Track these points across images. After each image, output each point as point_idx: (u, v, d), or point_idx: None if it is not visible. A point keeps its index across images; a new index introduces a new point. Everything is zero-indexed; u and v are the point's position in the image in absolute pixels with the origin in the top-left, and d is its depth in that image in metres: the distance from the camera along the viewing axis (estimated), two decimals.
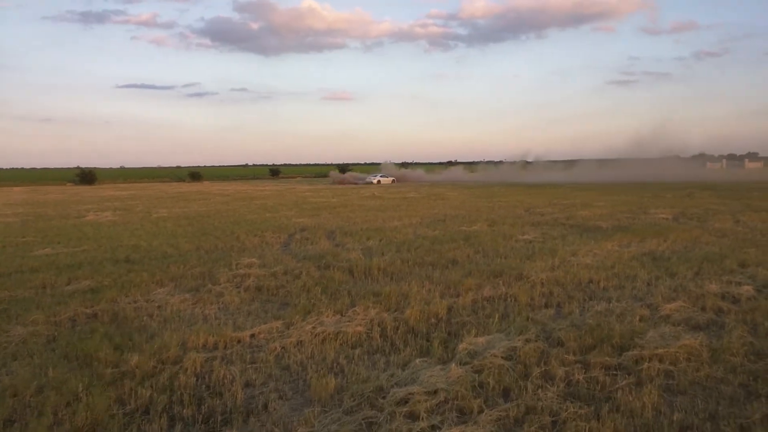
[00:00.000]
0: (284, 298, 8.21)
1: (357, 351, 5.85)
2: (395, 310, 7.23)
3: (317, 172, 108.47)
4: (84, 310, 7.58)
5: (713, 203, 23.62)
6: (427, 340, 6.10)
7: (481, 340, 5.92)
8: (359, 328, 6.45)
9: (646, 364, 5.06)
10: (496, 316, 6.80)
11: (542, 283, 8.62)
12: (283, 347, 5.98)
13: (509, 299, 7.73)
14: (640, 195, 31.39)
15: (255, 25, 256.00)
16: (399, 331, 6.44)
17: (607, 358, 5.26)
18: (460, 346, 5.71)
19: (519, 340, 5.87)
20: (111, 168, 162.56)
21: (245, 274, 9.79)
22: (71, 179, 72.02)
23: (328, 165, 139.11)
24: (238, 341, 6.23)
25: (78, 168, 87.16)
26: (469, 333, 6.20)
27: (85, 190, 53.84)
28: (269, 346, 6.02)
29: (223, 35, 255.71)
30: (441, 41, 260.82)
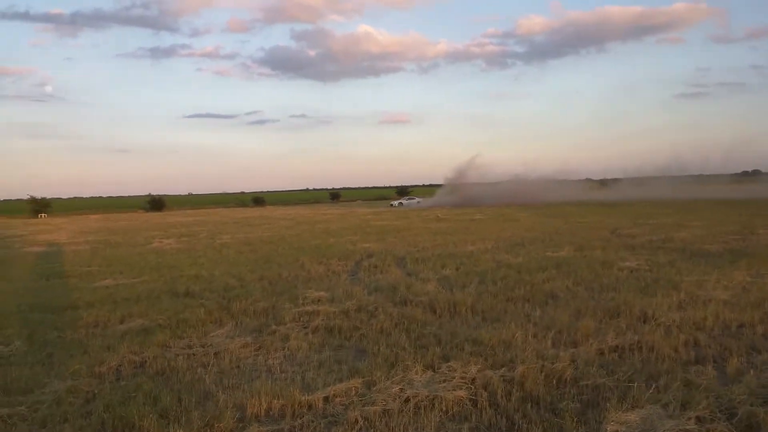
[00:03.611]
0: (360, 343, 6.91)
1: (464, 428, 4.42)
2: (501, 366, 5.72)
3: (377, 194, 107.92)
4: (132, 357, 6.57)
5: None
6: (555, 414, 4.58)
7: (632, 417, 4.34)
8: (460, 393, 5.01)
9: None
10: (642, 379, 5.15)
11: (678, 327, 6.87)
12: (365, 418, 4.64)
13: (645, 350, 6.04)
14: (736, 213, 28.23)
15: (312, 53, 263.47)
16: (513, 398, 4.94)
17: None
18: (608, 428, 4.16)
19: (689, 420, 4.23)
20: (179, 195, 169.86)
21: (313, 311, 8.58)
22: (142, 206, 75.06)
23: (386, 187, 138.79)
24: (309, 407, 4.96)
25: (149, 195, 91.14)
26: (611, 404, 4.62)
27: (153, 217, 55.65)
28: (348, 415, 4.70)
29: (282, 63, 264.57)
30: (498, 60, 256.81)
